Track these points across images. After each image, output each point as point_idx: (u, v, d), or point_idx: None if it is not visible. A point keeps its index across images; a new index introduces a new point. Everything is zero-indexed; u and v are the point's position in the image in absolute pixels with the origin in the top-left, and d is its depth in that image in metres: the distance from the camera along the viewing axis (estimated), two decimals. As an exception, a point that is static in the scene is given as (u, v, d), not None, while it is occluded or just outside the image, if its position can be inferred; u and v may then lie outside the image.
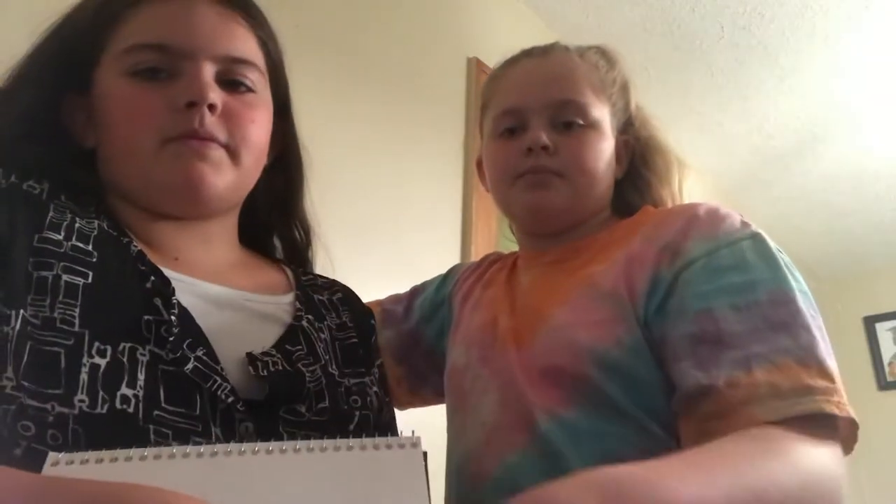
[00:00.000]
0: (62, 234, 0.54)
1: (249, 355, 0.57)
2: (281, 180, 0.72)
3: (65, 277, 0.52)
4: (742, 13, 2.03)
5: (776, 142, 2.61)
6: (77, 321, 0.50)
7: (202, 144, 0.59)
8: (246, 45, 0.64)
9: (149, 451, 0.41)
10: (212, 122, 0.59)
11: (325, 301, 0.72)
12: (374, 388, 0.67)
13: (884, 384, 3.53)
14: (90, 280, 0.53)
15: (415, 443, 0.47)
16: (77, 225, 0.56)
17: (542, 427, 0.63)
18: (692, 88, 2.34)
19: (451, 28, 1.72)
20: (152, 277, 0.56)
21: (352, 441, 0.45)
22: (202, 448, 0.42)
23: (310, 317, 0.67)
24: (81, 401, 0.47)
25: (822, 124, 2.51)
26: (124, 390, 0.49)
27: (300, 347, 0.62)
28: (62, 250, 0.53)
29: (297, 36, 1.29)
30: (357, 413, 0.62)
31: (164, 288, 0.56)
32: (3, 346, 0.47)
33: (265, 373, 0.56)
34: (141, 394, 0.49)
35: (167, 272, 0.57)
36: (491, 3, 1.89)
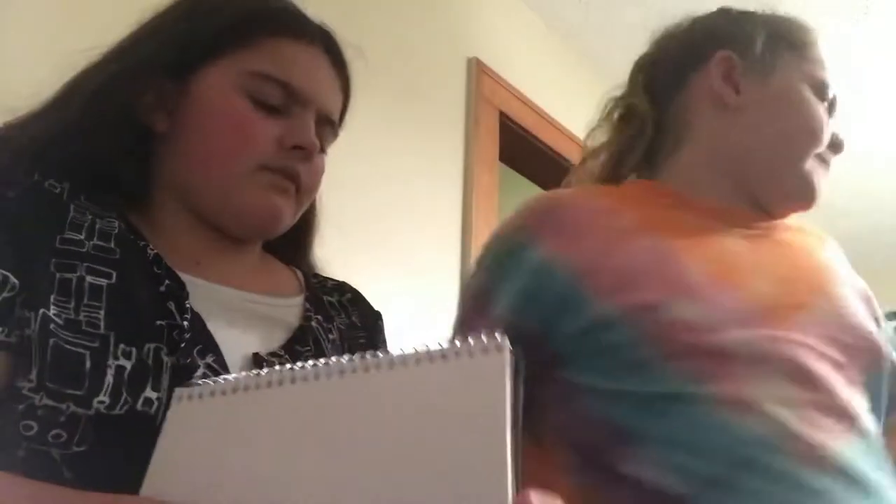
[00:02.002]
0: (83, 234, 0.55)
1: (255, 356, 0.58)
2: (300, 219, 0.73)
3: (88, 279, 0.52)
4: (742, 13, 2.03)
5: (776, 142, 2.61)
6: (102, 323, 0.50)
7: (289, 183, 0.64)
8: (338, 108, 0.70)
9: (260, 378, 0.43)
10: (303, 167, 0.64)
11: (335, 302, 0.73)
12: None
13: (883, 384, 3.53)
14: (113, 280, 0.53)
15: (499, 346, 0.40)
16: (98, 225, 0.56)
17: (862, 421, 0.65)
18: (692, 88, 2.34)
19: (451, 28, 1.72)
20: (167, 281, 0.56)
21: (433, 351, 0.41)
22: (303, 371, 0.42)
23: (319, 317, 0.68)
24: (101, 402, 0.47)
25: (822, 124, 2.51)
26: (148, 392, 0.49)
27: (308, 348, 0.63)
28: (84, 250, 0.54)
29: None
30: None
31: (179, 291, 0.56)
32: (25, 348, 0.47)
33: None
34: (164, 396, 0.50)
35: (183, 276, 0.58)
36: (491, 3, 1.88)
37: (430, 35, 1.64)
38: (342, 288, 0.77)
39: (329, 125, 0.68)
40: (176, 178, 0.63)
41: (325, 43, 0.70)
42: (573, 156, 1.97)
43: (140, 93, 0.62)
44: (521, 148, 1.86)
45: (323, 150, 0.68)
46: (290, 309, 0.67)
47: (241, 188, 0.61)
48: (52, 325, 0.48)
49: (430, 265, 1.47)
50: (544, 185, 2.08)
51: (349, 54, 0.72)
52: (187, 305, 0.55)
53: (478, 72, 1.70)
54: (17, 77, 0.90)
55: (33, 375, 0.46)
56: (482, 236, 1.58)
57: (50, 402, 0.46)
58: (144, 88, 0.62)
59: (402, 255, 1.37)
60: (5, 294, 0.49)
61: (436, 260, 1.48)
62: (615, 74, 2.52)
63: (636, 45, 2.16)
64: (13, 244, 0.51)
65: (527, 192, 2.28)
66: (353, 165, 1.33)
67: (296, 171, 0.63)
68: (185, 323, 0.54)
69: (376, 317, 0.77)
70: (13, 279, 0.49)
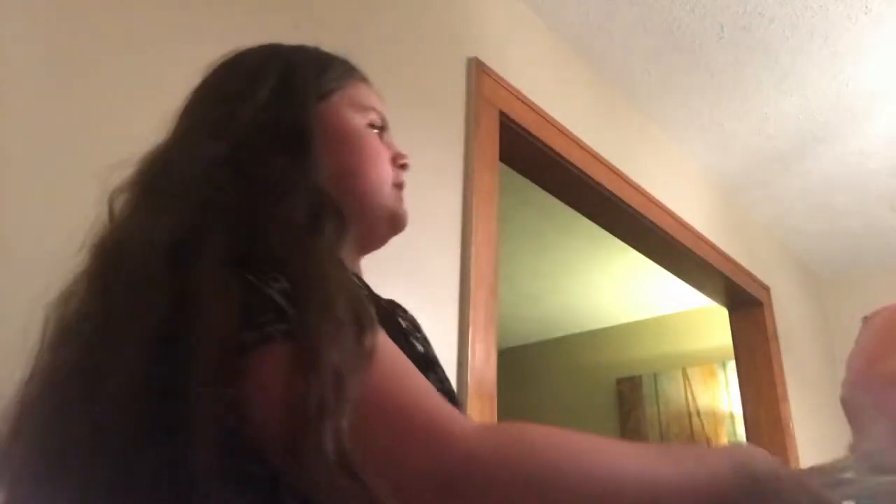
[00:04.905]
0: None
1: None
2: None
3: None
4: (742, 13, 2.03)
5: (776, 142, 2.61)
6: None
7: None
8: None
9: None
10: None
11: None
12: None
13: (884, 384, 3.53)
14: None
15: None
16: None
17: None
18: (692, 88, 2.34)
19: (451, 28, 1.72)
20: (404, 324, 0.67)
21: None
22: None
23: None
24: None
25: (822, 124, 2.51)
26: None
27: None
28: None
29: (297, 36, 1.29)
30: None
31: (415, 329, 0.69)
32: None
33: None
34: None
35: None
36: (491, 3, 1.88)
37: (430, 35, 1.64)
38: None
39: None
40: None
41: None
42: (573, 156, 1.97)
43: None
44: (521, 148, 1.86)
45: None
46: None
47: (389, 202, 0.76)
48: None
49: (430, 265, 1.47)
50: (544, 186, 2.08)
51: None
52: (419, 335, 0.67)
53: (478, 72, 1.70)
54: (17, 76, 0.91)
55: None
56: (482, 237, 1.58)
57: None
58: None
59: (401, 255, 1.37)
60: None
61: (436, 260, 1.48)
62: (615, 74, 2.53)
63: (636, 44, 2.16)
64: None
65: (527, 192, 2.28)
66: (353, 166, 1.33)
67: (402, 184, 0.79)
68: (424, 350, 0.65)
69: None
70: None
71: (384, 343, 0.52)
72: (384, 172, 0.75)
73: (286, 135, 0.67)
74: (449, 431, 0.46)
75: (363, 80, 0.80)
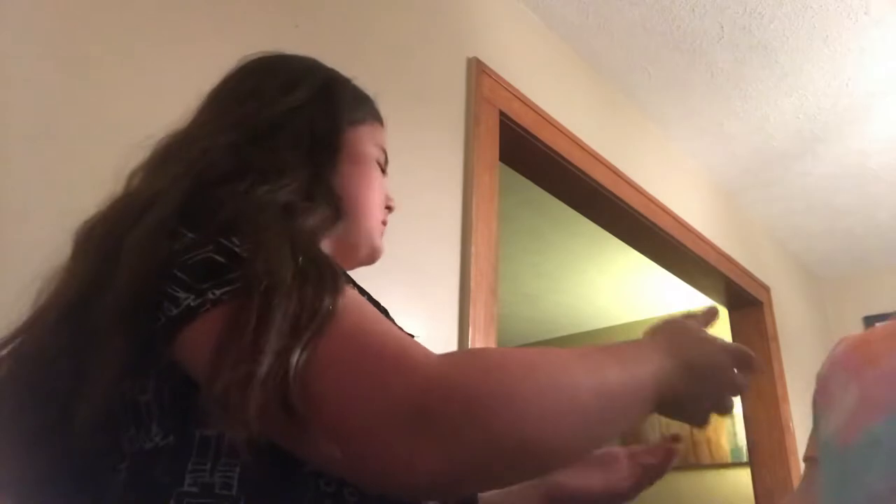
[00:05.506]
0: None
1: None
2: None
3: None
4: (742, 13, 2.03)
5: (776, 142, 2.61)
6: None
7: None
8: None
9: None
10: None
11: None
12: None
13: (884, 384, 3.53)
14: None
15: None
16: None
17: None
18: (692, 88, 2.34)
19: (451, 28, 1.72)
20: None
21: None
22: None
23: None
24: None
25: (822, 124, 2.51)
26: None
27: None
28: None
29: (296, 36, 1.30)
30: None
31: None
32: None
33: None
34: None
35: None
36: (491, 3, 1.89)
37: (430, 35, 1.64)
38: None
39: None
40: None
41: None
42: (573, 156, 1.97)
43: None
44: (521, 148, 1.86)
45: None
46: None
47: (376, 233, 0.81)
48: None
49: (430, 265, 1.47)
50: (544, 185, 2.09)
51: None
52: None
53: (478, 72, 1.70)
54: (18, 76, 0.91)
55: None
56: (482, 237, 1.58)
57: None
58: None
59: (401, 255, 1.37)
60: None
61: (436, 260, 1.48)
62: (615, 74, 2.53)
63: (636, 44, 2.16)
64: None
65: (527, 192, 2.28)
66: (353, 165, 1.33)
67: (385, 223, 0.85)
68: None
69: None
70: None
71: (351, 295, 0.54)
72: (380, 206, 0.83)
73: (314, 137, 0.70)
74: (418, 360, 0.48)
75: (383, 124, 0.87)
